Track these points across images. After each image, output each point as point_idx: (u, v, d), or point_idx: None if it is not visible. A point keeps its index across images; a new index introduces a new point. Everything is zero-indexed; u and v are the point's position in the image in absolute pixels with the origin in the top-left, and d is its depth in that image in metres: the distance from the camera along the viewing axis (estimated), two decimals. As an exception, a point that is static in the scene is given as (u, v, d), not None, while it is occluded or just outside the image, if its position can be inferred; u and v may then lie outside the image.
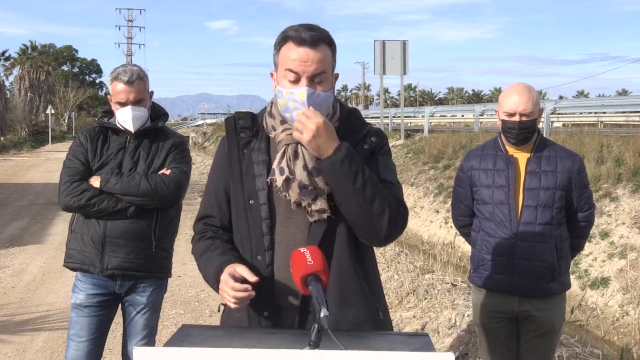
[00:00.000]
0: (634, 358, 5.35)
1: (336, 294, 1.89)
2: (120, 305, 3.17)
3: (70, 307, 3.15)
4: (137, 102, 3.00)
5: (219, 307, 2.04)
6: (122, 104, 3.00)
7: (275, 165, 1.92)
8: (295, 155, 1.91)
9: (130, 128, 3.04)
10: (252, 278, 1.79)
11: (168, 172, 3.04)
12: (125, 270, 3.01)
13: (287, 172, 1.89)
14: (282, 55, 1.90)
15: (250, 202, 1.94)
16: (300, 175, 1.89)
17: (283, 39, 1.90)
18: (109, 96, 3.09)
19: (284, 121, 1.95)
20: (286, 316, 1.92)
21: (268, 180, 1.93)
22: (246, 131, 2.01)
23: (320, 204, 1.89)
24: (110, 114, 3.13)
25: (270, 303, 1.91)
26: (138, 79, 3.00)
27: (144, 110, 3.05)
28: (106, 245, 2.98)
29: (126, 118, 3.01)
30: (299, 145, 1.92)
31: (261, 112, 2.06)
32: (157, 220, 3.04)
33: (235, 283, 1.78)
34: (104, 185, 2.97)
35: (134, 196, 2.96)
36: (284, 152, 1.92)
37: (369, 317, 1.95)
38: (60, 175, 3.07)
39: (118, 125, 3.08)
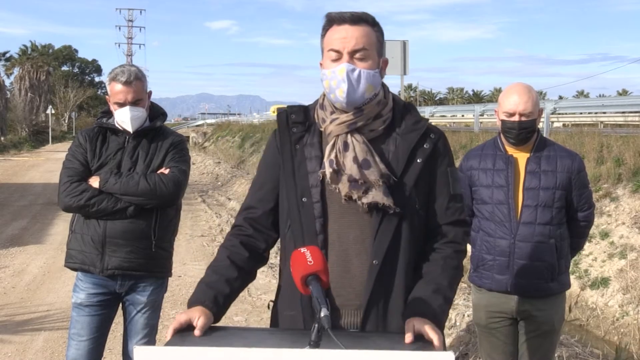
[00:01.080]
0: (633, 357, 5.35)
1: (400, 299, 1.88)
2: (120, 304, 3.18)
3: (70, 307, 3.16)
4: (135, 103, 3.01)
5: (269, 304, 2.04)
6: (121, 105, 3.00)
7: (325, 157, 1.90)
8: (346, 146, 1.89)
9: (129, 128, 3.04)
10: (197, 333, 1.76)
11: (167, 171, 3.04)
12: (126, 270, 3.02)
13: (334, 164, 1.87)
14: (326, 39, 1.92)
15: (303, 199, 1.91)
16: (350, 168, 1.86)
17: (327, 23, 1.92)
18: (107, 97, 3.10)
19: (333, 112, 1.93)
20: (343, 316, 1.89)
21: (320, 175, 1.90)
22: (299, 126, 1.98)
23: (373, 196, 1.85)
24: (109, 114, 3.13)
25: None
26: (136, 80, 3.00)
27: (142, 111, 3.05)
28: (106, 245, 2.99)
29: (124, 118, 3.02)
30: (348, 136, 1.89)
31: (313, 105, 2.04)
32: (156, 219, 3.04)
33: (175, 326, 1.74)
34: (103, 185, 2.97)
35: (132, 196, 2.96)
36: (334, 144, 1.90)
37: None
38: (59, 176, 3.08)
39: (117, 125, 3.08)
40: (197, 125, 57.89)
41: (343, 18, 1.89)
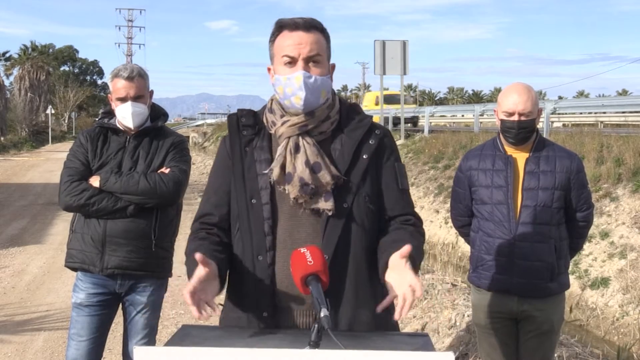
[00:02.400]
0: (633, 358, 5.35)
1: (352, 294, 1.89)
2: (120, 305, 3.18)
3: (70, 307, 3.16)
4: (137, 98, 3.01)
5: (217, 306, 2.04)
6: (122, 100, 3.00)
7: (276, 158, 1.92)
8: (297, 148, 1.91)
9: (130, 124, 3.03)
10: (202, 272, 1.73)
11: (167, 170, 3.05)
12: (126, 270, 3.02)
13: (283, 165, 1.90)
14: (277, 44, 1.93)
15: (252, 201, 1.93)
16: (302, 172, 1.88)
17: (277, 29, 1.93)
18: (109, 95, 3.10)
19: (283, 115, 1.95)
20: (287, 317, 1.91)
21: (270, 177, 1.92)
22: (248, 129, 2.00)
23: (320, 202, 1.88)
24: (110, 114, 3.14)
25: (271, 304, 1.90)
26: (138, 76, 3.02)
27: (143, 107, 3.05)
28: (106, 244, 2.99)
29: (126, 114, 3.01)
30: (299, 137, 1.92)
31: (262, 110, 2.06)
32: (157, 219, 3.05)
33: (189, 290, 1.70)
34: (103, 184, 2.98)
35: (133, 195, 2.97)
36: (285, 146, 1.92)
37: (381, 318, 1.93)
38: (60, 176, 3.09)
39: (118, 125, 3.09)
40: (197, 125, 57.87)
41: (296, 24, 1.91)
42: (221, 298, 2.10)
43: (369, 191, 1.94)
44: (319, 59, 1.91)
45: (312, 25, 1.91)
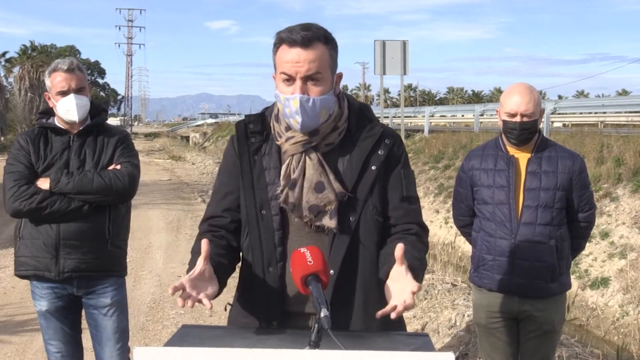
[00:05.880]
0: (633, 357, 5.35)
1: (361, 307, 1.88)
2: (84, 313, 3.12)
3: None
4: (78, 91, 2.93)
5: (226, 306, 2.02)
6: (64, 93, 2.91)
7: (281, 177, 1.89)
8: (300, 168, 1.88)
9: (75, 117, 2.93)
10: (201, 262, 1.71)
11: (119, 166, 2.98)
12: (83, 272, 2.94)
13: (290, 188, 1.87)
14: (277, 57, 1.86)
15: (262, 212, 1.90)
16: (307, 194, 1.86)
17: (278, 41, 1.86)
18: (46, 93, 3.01)
19: (288, 127, 1.90)
20: (296, 326, 1.89)
21: (279, 191, 1.89)
22: (257, 136, 1.96)
23: (325, 220, 1.86)
24: (48, 114, 3.05)
25: (281, 313, 1.89)
26: (78, 69, 2.96)
27: (86, 100, 2.97)
28: (61, 248, 2.90)
29: (69, 107, 2.91)
30: (303, 155, 1.88)
31: (270, 111, 2.00)
32: (110, 217, 2.98)
33: (175, 285, 1.65)
34: (54, 186, 2.86)
35: (88, 194, 2.88)
36: (288, 164, 1.89)
37: (389, 325, 1.92)
38: (3, 182, 2.92)
39: (58, 123, 3.00)
40: (197, 125, 57.89)
41: (294, 40, 1.80)
42: (229, 298, 2.08)
43: (376, 203, 1.90)
44: (319, 77, 1.82)
45: (311, 39, 1.80)
